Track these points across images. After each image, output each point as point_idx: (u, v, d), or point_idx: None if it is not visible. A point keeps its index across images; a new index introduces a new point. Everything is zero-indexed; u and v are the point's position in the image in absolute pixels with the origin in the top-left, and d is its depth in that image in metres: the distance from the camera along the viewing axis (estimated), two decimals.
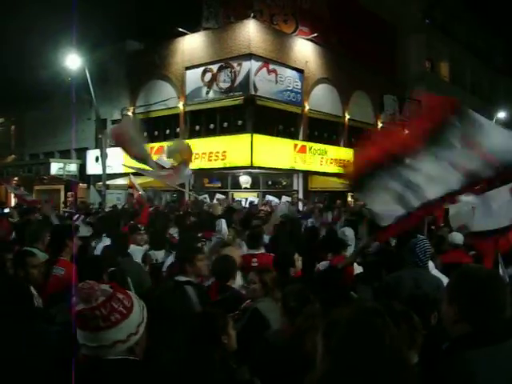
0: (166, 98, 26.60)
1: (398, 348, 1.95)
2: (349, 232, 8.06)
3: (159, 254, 7.82)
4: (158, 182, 24.71)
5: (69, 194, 29.69)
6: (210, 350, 3.27)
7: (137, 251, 7.63)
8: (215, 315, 3.50)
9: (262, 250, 6.95)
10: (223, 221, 8.21)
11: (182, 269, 5.05)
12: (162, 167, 11.23)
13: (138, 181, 25.44)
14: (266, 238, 8.28)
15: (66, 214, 15.82)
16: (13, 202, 26.29)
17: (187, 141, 24.07)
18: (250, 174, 23.97)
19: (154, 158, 11.85)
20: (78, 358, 2.33)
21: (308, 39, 26.30)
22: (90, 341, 2.22)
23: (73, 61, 23.03)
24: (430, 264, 5.74)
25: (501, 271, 5.44)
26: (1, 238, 7.93)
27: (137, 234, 8.22)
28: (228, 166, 22.11)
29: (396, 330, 2.03)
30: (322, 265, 6.43)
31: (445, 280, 4.97)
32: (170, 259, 7.02)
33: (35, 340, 3.23)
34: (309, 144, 25.08)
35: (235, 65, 23.64)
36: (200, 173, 23.42)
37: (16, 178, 30.23)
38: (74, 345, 2.33)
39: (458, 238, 7.51)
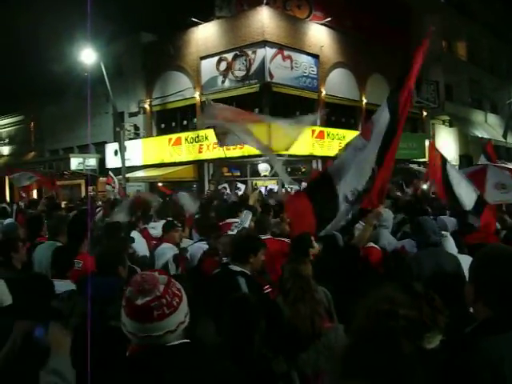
0: (182, 89, 26.62)
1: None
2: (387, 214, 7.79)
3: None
4: (173, 175, 24.92)
5: (90, 188, 29.92)
6: (250, 336, 3.31)
7: (168, 250, 6.96)
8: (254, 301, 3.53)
9: (269, 236, 6.87)
10: (249, 213, 8.00)
11: (240, 258, 4.83)
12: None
13: (154, 173, 25.72)
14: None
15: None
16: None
17: (205, 131, 24.19)
18: (268, 161, 23.91)
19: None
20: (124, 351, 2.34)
21: (322, 24, 26.10)
22: (156, 330, 2.23)
23: (88, 55, 23.17)
24: (451, 243, 5.65)
25: None
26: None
27: (174, 231, 7.41)
28: (246, 154, 22.06)
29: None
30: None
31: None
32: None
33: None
34: (327, 129, 24.91)
35: (250, 52, 23.56)
36: (219, 162, 23.45)
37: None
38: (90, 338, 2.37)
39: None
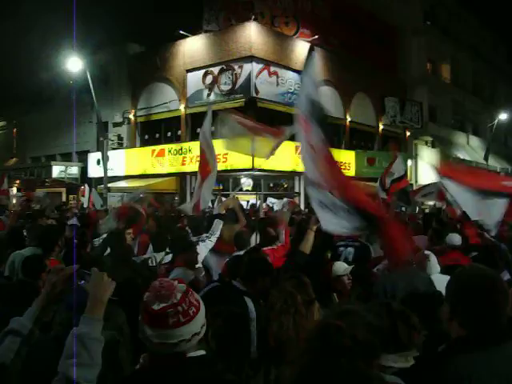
0: (167, 101, 26.64)
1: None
2: None
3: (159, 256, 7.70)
4: (155, 186, 24.84)
5: (71, 197, 29.71)
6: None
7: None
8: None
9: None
10: (219, 221, 7.97)
11: (247, 278, 4.66)
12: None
13: (136, 183, 25.61)
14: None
15: None
16: None
17: (188, 143, 24.20)
18: (251, 176, 23.95)
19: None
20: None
21: (309, 41, 26.28)
22: (170, 338, 2.24)
23: (74, 63, 23.04)
24: (433, 262, 5.69)
25: None
26: None
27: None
28: (229, 168, 22.07)
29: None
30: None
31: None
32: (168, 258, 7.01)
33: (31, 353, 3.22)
34: None
35: (236, 67, 23.64)
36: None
37: (17, 181, 30.23)
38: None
39: (456, 239, 7.50)
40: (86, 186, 18.61)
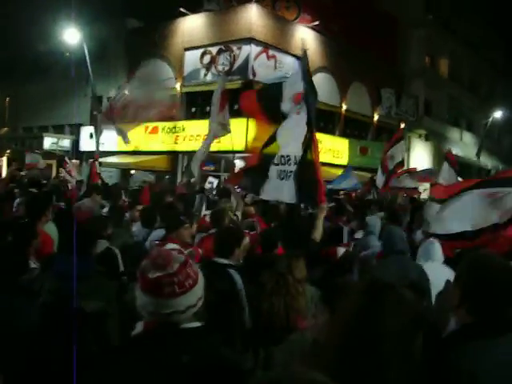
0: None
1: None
2: (374, 220, 7.88)
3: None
4: (146, 163, 24.76)
5: (61, 169, 29.49)
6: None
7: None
8: None
9: None
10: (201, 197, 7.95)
11: (223, 251, 4.68)
12: None
13: (127, 159, 25.51)
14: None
15: None
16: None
17: (182, 122, 24.13)
18: (244, 158, 23.86)
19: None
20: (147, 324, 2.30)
21: (309, 27, 26.16)
22: (164, 308, 2.21)
23: (71, 35, 22.80)
24: (436, 250, 5.66)
25: None
26: None
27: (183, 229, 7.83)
28: (222, 149, 21.98)
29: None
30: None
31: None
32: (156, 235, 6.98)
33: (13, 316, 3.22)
34: None
35: (235, 48, 23.49)
36: (194, 155, 23.26)
37: (8, 151, 29.97)
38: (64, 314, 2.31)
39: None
40: (66, 159, 18.49)
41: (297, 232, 6.33)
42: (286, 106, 6.86)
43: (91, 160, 17.45)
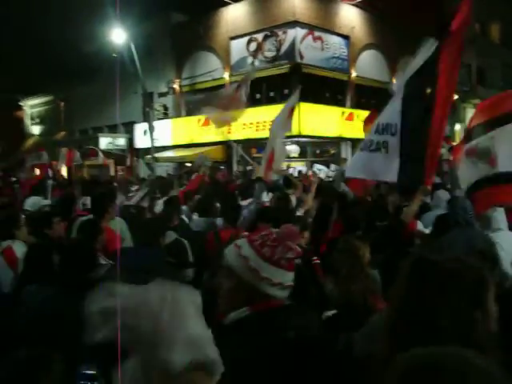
0: (212, 69, 26.60)
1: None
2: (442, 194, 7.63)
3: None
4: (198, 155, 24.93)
5: (119, 168, 30.12)
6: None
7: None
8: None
9: None
10: (262, 186, 7.89)
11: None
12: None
13: (183, 153, 25.80)
14: None
15: None
16: None
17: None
18: (297, 142, 23.82)
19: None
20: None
21: (353, 4, 25.77)
22: (287, 279, 2.27)
23: (118, 35, 23.13)
24: (501, 218, 5.43)
25: None
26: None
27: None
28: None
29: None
30: None
31: None
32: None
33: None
34: (356, 111, 24.67)
35: (280, 33, 23.40)
36: (248, 142, 23.42)
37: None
38: None
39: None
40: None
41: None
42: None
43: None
